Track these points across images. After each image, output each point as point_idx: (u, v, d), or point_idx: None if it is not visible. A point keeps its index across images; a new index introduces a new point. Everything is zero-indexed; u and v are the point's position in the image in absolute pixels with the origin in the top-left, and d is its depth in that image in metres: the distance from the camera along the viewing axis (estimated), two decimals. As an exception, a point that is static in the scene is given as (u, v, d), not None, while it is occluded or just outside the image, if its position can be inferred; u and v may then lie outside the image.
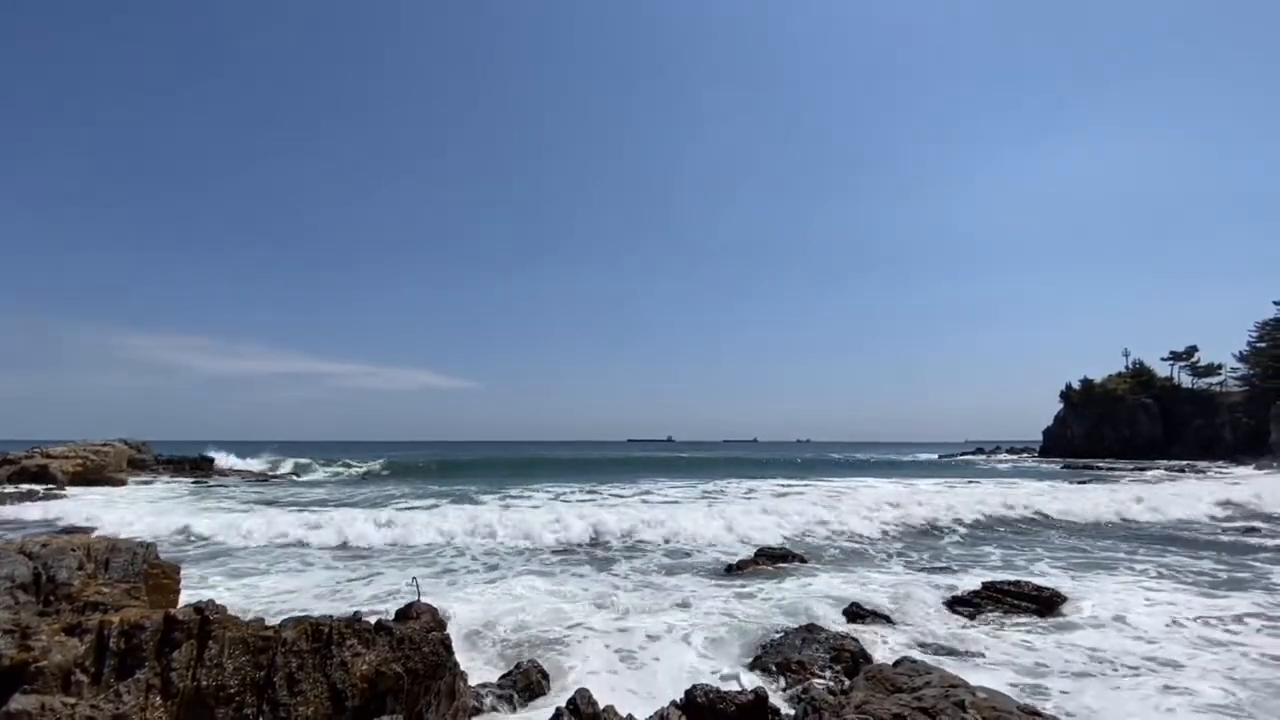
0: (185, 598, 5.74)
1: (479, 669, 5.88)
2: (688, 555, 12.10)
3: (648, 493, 25.23)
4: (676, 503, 20.58)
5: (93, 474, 27.06)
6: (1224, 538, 14.12)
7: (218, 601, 4.24)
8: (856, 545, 13.32)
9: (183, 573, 6.27)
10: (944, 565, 11.03)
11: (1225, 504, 18.60)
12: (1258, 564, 10.82)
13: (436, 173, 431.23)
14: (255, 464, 41.82)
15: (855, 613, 7.61)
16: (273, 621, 4.27)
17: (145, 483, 29.39)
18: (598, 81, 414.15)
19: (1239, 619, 7.35)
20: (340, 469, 42.11)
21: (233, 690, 3.75)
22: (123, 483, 27.90)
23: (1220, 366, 64.45)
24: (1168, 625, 7.15)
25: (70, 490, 24.08)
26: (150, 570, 5.70)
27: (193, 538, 13.37)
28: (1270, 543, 13.05)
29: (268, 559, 11.41)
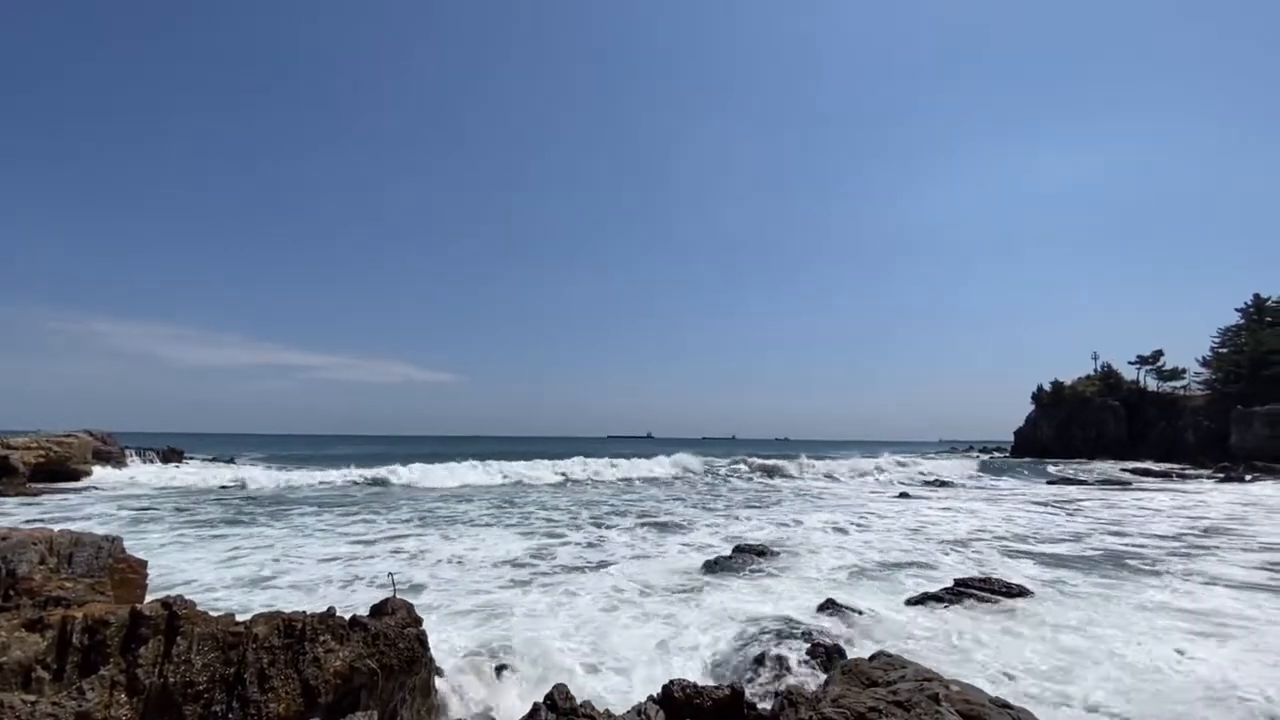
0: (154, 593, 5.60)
1: (455, 658, 5.83)
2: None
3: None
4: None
5: (56, 465, 26.26)
6: None
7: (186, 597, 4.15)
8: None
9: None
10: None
11: None
12: None
13: (418, 166, 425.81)
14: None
15: (830, 607, 7.69)
16: (244, 617, 4.19)
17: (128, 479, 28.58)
18: (586, 79, 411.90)
19: None
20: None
21: (201, 687, 3.68)
22: (87, 474, 27.13)
23: (1184, 371, 66.43)
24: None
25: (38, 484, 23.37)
26: (115, 565, 5.56)
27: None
28: None
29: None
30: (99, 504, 18.91)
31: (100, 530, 8.40)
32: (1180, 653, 6.32)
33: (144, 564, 6.03)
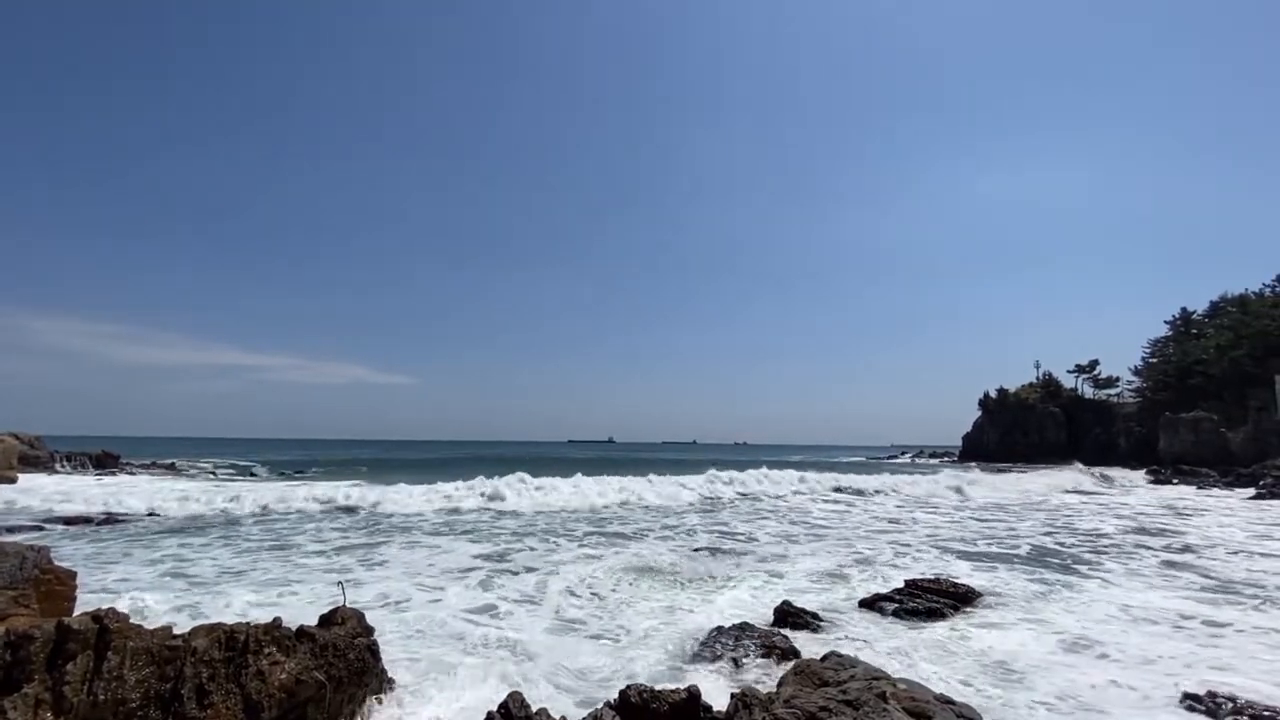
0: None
1: (406, 669, 5.70)
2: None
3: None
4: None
5: (-26, 471, 24.60)
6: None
7: (119, 609, 3.96)
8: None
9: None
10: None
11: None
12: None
13: (374, 158, 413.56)
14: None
15: (785, 610, 7.83)
16: (182, 630, 4.02)
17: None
18: (562, 75, 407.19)
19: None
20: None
21: (134, 704, 3.51)
22: (11, 481, 25.47)
23: (1118, 379, 70.61)
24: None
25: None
26: (42, 576, 5.25)
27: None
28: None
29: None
30: (24, 513, 17.77)
31: (25, 540, 7.91)
32: (1121, 648, 6.68)
33: (73, 575, 5.71)
